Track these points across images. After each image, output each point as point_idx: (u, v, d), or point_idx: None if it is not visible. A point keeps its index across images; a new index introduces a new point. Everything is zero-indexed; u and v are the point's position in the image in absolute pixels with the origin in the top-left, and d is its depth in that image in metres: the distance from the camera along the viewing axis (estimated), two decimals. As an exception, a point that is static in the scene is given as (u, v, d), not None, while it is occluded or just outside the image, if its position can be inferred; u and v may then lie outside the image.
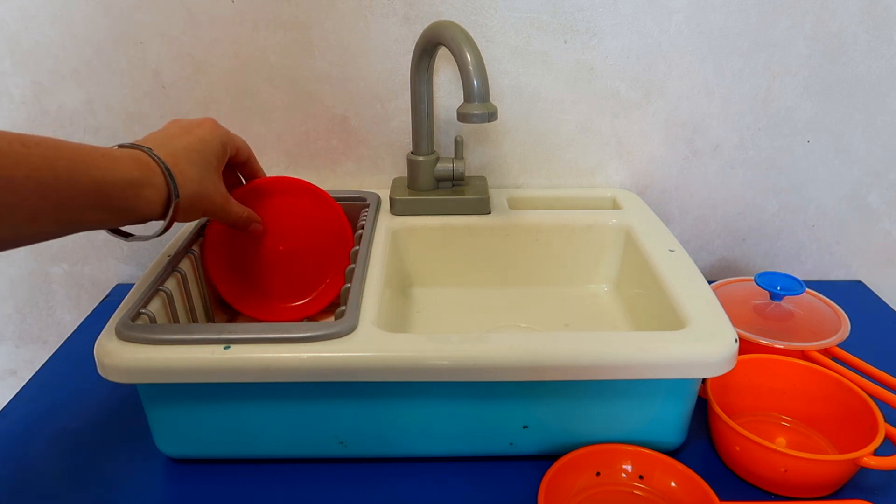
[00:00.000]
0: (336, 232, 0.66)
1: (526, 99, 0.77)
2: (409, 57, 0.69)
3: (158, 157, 0.48)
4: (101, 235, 0.83)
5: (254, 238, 0.64)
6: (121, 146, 0.48)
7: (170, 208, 0.49)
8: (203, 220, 0.68)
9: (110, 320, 0.52)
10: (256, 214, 0.62)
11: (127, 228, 0.52)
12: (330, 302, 0.67)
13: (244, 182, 0.64)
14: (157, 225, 0.51)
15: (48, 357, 0.71)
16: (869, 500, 0.51)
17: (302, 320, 0.67)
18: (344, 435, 0.54)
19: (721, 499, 0.49)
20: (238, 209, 0.59)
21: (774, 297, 0.66)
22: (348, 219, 0.67)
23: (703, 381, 0.56)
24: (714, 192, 0.83)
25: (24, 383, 0.67)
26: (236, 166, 0.62)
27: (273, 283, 0.67)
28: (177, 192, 0.49)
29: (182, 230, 0.68)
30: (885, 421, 0.51)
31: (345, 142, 0.79)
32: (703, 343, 0.50)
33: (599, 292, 0.74)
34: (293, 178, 0.65)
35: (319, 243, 0.66)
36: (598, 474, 0.53)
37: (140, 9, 0.71)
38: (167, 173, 0.48)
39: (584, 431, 0.54)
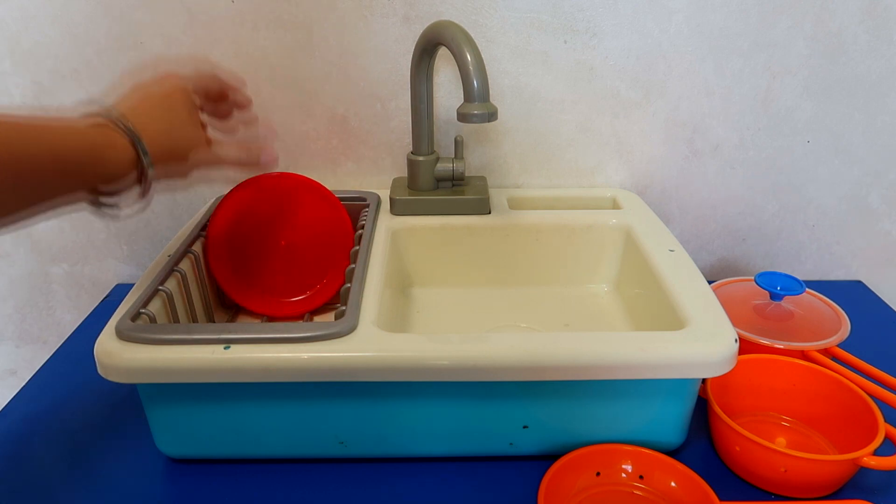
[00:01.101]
0: (337, 227, 0.67)
1: (526, 99, 0.77)
2: (409, 57, 0.69)
3: (117, 116, 0.46)
4: (101, 235, 0.83)
5: (256, 231, 0.64)
6: (80, 112, 0.46)
7: (142, 164, 0.47)
8: (204, 218, 0.68)
9: (110, 320, 0.52)
10: (257, 149, 0.57)
11: (112, 200, 0.49)
12: (331, 297, 0.68)
13: (236, 113, 0.59)
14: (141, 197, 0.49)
15: (48, 357, 0.71)
16: (869, 500, 0.51)
17: (303, 315, 0.68)
18: (344, 435, 0.54)
19: (721, 499, 0.49)
20: (231, 150, 0.55)
21: (774, 297, 0.66)
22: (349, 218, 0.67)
23: (703, 381, 0.56)
24: (714, 192, 0.83)
25: (24, 383, 0.67)
26: (221, 101, 0.57)
27: (275, 278, 0.67)
28: (143, 147, 0.47)
29: (182, 230, 0.68)
30: (885, 421, 0.52)
31: (345, 142, 0.79)
32: (703, 343, 0.50)
33: (599, 292, 0.74)
34: (295, 174, 0.65)
35: (321, 238, 0.66)
36: (598, 474, 0.53)
37: (140, 9, 0.71)
38: (128, 130, 0.46)
39: (584, 431, 0.54)
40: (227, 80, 0.58)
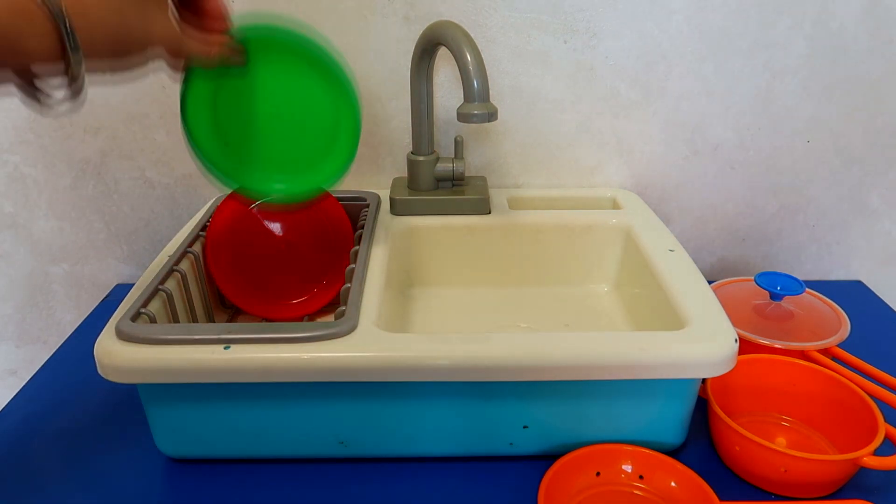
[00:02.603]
0: (337, 228, 0.66)
1: (526, 99, 0.77)
2: (409, 57, 0.69)
3: None
4: (101, 235, 0.83)
5: (255, 234, 0.64)
6: None
7: (69, 58, 0.39)
8: (204, 218, 0.68)
9: (110, 320, 0.52)
10: (230, 42, 0.49)
11: (43, 85, 0.41)
12: (331, 299, 0.67)
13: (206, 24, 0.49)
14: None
15: (48, 357, 0.71)
16: (869, 500, 0.51)
17: (303, 318, 0.67)
18: (344, 435, 0.54)
19: (721, 499, 0.49)
20: (199, 45, 0.47)
21: (774, 297, 0.66)
22: (349, 219, 0.67)
23: (703, 381, 0.56)
24: (714, 192, 0.83)
25: (24, 383, 0.67)
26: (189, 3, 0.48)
27: (274, 280, 0.67)
28: (72, 40, 0.38)
29: (182, 230, 0.68)
30: (885, 421, 0.52)
31: (345, 142, 0.79)
32: (703, 343, 0.50)
33: (599, 292, 0.74)
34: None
35: (320, 240, 0.66)
36: (598, 474, 0.53)
37: (140, 9, 0.71)
38: (57, 14, 0.37)
39: (584, 431, 0.54)
40: None
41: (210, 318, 0.66)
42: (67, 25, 0.38)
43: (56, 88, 0.41)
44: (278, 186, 0.57)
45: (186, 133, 0.53)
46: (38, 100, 0.41)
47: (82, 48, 0.39)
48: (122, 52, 0.41)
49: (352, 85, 0.54)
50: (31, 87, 0.41)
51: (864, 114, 0.78)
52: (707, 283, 0.58)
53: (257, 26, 0.50)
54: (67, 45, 0.38)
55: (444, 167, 0.73)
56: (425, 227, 0.72)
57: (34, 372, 0.69)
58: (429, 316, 0.70)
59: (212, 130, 0.54)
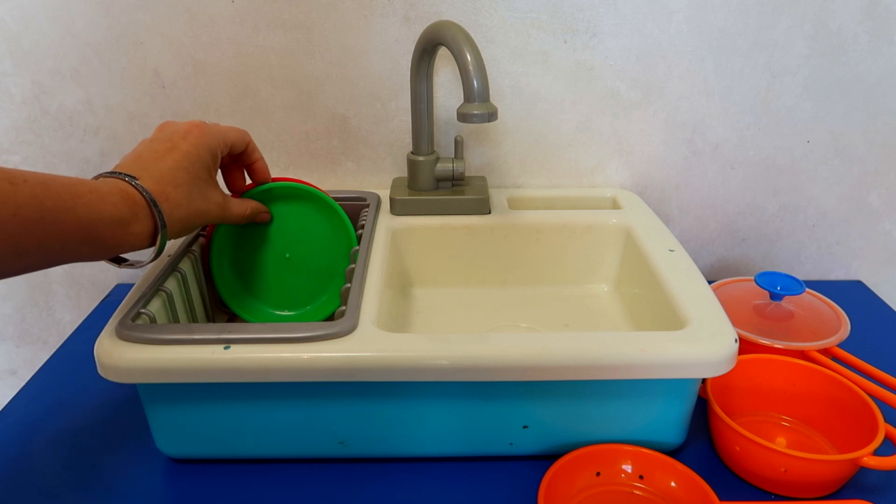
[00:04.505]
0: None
1: (526, 99, 0.77)
2: (409, 57, 0.69)
3: (144, 189, 0.47)
4: (101, 235, 0.83)
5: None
6: (106, 175, 0.48)
7: (157, 238, 0.49)
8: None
9: (110, 320, 0.52)
10: (260, 205, 0.61)
11: (126, 259, 0.52)
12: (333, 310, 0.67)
13: (244, 171, 0.62)
14: (150, 251, 0.50)
15: (48, 357, 0.71)
16: (869, 500, 0.51)
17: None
18: (344, 435, 0.54)
19: (721, 499, 0.49)
20: (238, 209, 0.58)
21: (774, 297, 0.66)
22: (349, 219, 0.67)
23: (703, 381, 0.56)
24: (714, 192, 0.83)
25: (24, 383, 0.67)
26: (236, 158, 0.60)
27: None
28: (164, 223, 0.48)
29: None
30: (885, 421, 0.52)
31: (345, 142, 0.79)
32: (703, 343, 0.50)
33: (599, 292, 0.74)
34: (296, 180, 0.63)
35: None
36: (598, 474, 0.53)
37: (140, 9, 0.71)
38: (153, 205, 0.48)
39: (584, 431, 0.54)
40: (253, 146, 0.60)
41: (210, 318, 0.66)
42: (159, 209, 0.48)
43: (132, 259, 0.52)
44: (282, 315, 0.66)
45: (213, 272, 0.64)
46: (118, 264, 0.52)
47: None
48: (189, 227, 0.52)
49: (351, 226, 0.65)
50: (112, 261, 0.51)
51: (864, 114, 0.78)
52: (707, 283, 0.58)
53: (282, 184, 0.62)
54: (159, 225, 0.48)
55: (444, 167, 0.73)
56: (425, 227, 0.72)
57: (34, 372, 0.69)
58: (429, 316, 0.70)
59: (231, 271, 0.65)
